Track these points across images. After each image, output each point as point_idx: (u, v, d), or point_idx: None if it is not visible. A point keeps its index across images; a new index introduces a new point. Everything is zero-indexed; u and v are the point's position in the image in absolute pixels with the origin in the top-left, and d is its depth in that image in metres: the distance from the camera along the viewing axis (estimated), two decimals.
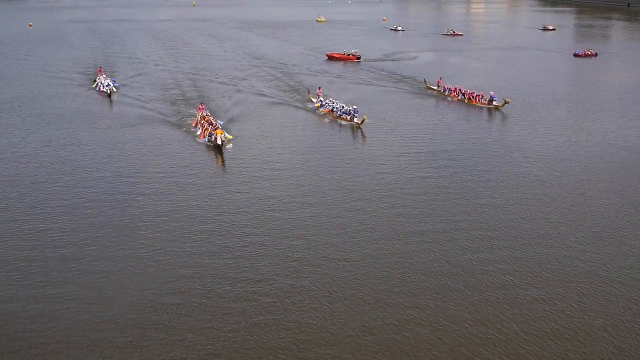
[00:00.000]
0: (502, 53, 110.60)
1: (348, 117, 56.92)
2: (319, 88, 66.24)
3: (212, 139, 48.94)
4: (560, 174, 42.40)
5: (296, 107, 64.36)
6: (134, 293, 27.12)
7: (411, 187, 39.93)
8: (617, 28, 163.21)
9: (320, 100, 62.84)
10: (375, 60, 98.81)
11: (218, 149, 48.05)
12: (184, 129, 55.06)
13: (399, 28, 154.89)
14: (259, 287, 27.50)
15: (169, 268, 29.32)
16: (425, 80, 74.82)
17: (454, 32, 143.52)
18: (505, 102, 61.52)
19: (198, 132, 52.64)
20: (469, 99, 65.70)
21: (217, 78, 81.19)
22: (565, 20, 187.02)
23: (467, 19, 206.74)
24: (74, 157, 46.76)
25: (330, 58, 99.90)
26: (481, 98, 64.69)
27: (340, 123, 56.95)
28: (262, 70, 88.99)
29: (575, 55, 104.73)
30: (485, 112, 61.71)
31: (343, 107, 58.77)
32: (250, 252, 30.79)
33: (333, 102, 60.70)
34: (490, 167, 43.98)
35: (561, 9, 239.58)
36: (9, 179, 42.27)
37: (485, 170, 43.24)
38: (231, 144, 49.44)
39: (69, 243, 31.98)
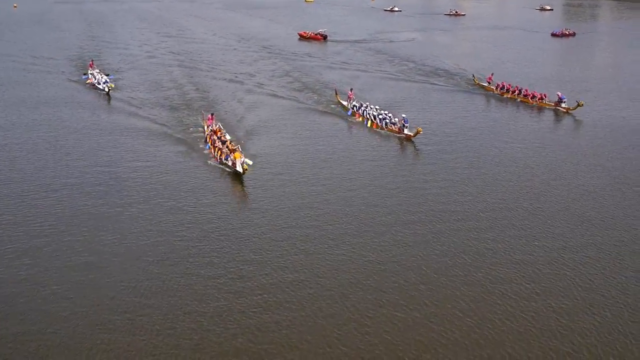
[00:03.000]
0: (511, 33, 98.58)
1: (395, 128, 42.74)
2: (351, 90, 50.96)
3: (230, 164, 34.95)
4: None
5: (322, 112, 48.99)
6: None
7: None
8: (606, 8, 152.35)
9: (354, 106, 47.80)
10: (375, 42, 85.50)
11: (237, 177, 34.08)
12: (189, 144, 40.55)
13: (395, 9, 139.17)
14: None
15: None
16: (474, 76, 59.83)
17: (456, 12, 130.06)
18: (579, 105, 47.30)
19: (207, 150, 38.63)
20: (531, 98, 51.27)
21: (217, 73, 64.78)
22: (556, 0, 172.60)
23: None
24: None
25: (302, 37, 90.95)
26: (545, 98, 50.59)
27: (382, 134, 42.87)
28: (262, 57, 74.19)
29: (553, 35, 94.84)
30: (552, 116, 47.77)
31: (386, 114, 44.36)
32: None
33: (372, 109, 45.95)
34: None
35: None
36: None
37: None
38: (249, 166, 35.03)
39: None
